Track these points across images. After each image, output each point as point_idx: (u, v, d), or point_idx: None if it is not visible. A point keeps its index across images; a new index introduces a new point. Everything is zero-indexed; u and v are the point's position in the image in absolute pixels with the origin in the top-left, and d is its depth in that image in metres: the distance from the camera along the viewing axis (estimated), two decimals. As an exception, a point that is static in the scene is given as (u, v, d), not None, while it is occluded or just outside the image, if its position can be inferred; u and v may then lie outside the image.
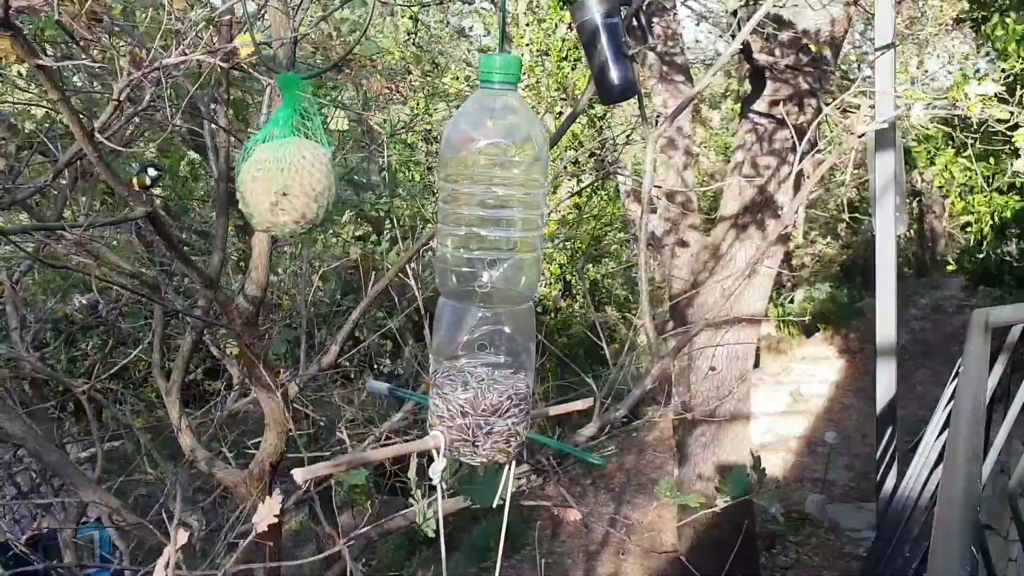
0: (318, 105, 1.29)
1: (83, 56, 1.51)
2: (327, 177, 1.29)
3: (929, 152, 6.23)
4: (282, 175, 1.25)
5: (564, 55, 7.80)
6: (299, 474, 1.04)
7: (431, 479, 1.10)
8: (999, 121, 2.78)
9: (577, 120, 7.24)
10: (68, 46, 2.17)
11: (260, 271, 2.03)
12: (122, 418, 3.05)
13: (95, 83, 2.68)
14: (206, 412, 3.28)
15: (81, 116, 1.36)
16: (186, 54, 1.22)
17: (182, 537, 0.88)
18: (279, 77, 1.29)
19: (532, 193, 1.08)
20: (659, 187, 4.70)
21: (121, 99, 1.26)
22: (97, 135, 1.32)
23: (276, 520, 1.06)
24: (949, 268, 7.85)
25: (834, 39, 4.45)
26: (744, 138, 4.75)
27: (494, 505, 1.19)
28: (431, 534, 1.15)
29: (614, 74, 1.49)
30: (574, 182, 7.73)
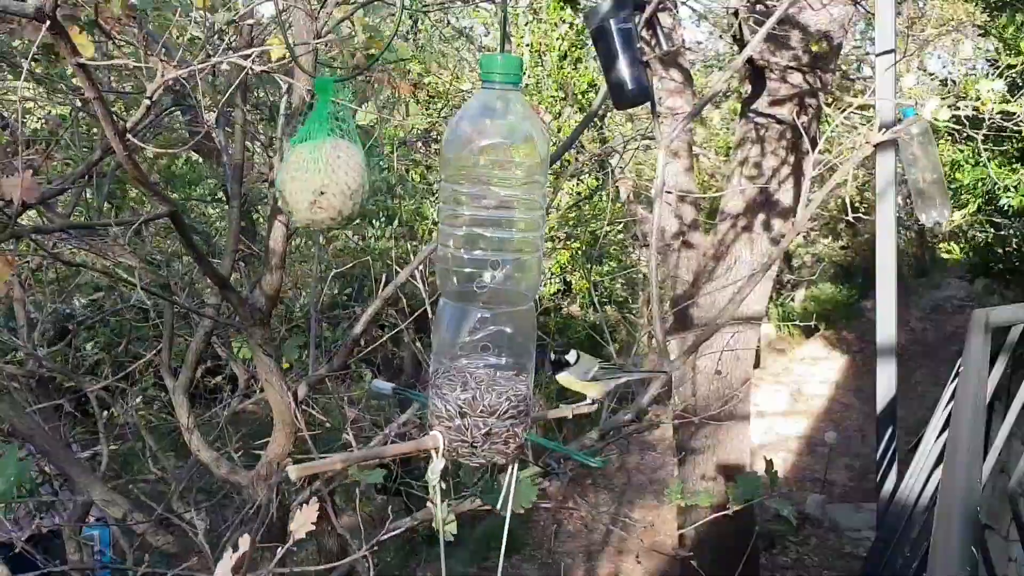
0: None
1: (114, 55, 1.51)
2: (361, 175, 1.35)
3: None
4: (319, 175, 1.32)
5: (564, 54, 7.81)
6: (294, 471, 1.04)
7: (433, 478, 1.11)
8: (1007, 116, 2.78)
9: (576, 121, 7.24)
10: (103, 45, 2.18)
11: (274, 271, 2.04)
12: (129, 417, 3.05)
13: (113, 82, 2.69)
14: (213, 415, 3.28)
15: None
16: (210, 55, 1.23)
17: (244, 543, 0.89)
18: (315, 80, 1.35)
19: (533, 194, 1.08)
20: (670, 192, 4.71)
21: (154, 99, 1.27)
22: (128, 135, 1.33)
23: (280, 519, 1.06)
24: (949, 255, 7.84)
25: (836, 39, 4.45)
26: (745, 138, 4.76)
27: (498, 506, 1.19)
28: (450, 537, 1.15)
29: (627, 79, 1.50)
30: (574, 182, 7.73)
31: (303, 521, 0.95)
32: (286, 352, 2.59)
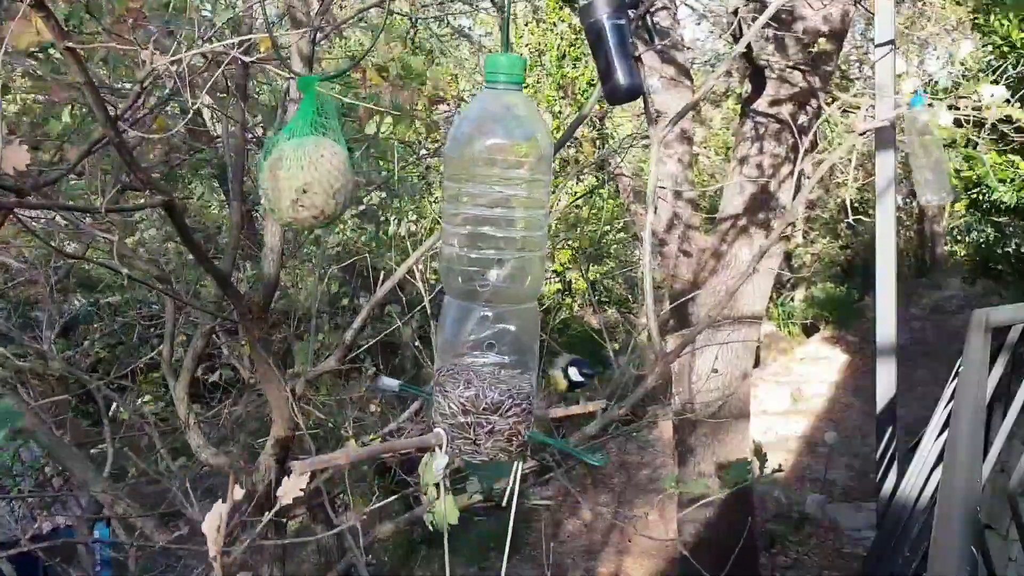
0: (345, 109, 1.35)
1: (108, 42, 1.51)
2: (344, 175, 1.34)
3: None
4: (303, 172, 1.30)
5: (563, 54, 7.83)
6: (297, 467, 1.04)
7: (436, 475, 1.11)
8: (1007, 119, 2.78)
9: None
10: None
11: (272, 266, 2.04)
12: (133, 416, 3.06)
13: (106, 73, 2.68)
14: (215, 413, 3.29)
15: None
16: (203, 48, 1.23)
17: (237, 493, 0.88)
18: (300, 78, 1.34)
19: (536, 192, 1.09)
20: (664, 187, 4.71)
21: (144, 86, 1.27)
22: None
23: (282, 518, 1.06)
24: (954, 255, 7.85)
25: (835, 38, 4.45)
26: (744, 137, 4.76)
27: (503, 503, 1.19)
28: (447, 526, 1.15)
29: (620, 75, 1.50)
30: (573, 181, 7.74)
31: (291, 487, 0.94)
32: (299, 355, 2.59)
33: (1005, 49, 5.37)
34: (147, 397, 3.58)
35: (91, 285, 4.60)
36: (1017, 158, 5.83)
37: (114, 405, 3.23)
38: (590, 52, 1.49)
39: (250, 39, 1.46)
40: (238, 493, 0.90)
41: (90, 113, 2.36)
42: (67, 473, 2.86)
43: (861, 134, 2.95)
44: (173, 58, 1.20)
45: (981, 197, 6.22)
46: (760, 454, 2.16)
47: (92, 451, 3.29)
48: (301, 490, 0.92)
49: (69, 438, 2.96)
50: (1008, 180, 5.87)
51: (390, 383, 1.38)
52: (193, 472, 2.87)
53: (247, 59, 1.35)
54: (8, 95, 2.71)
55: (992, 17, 5.52)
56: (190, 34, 2.05)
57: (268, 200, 1.35)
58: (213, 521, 0.89)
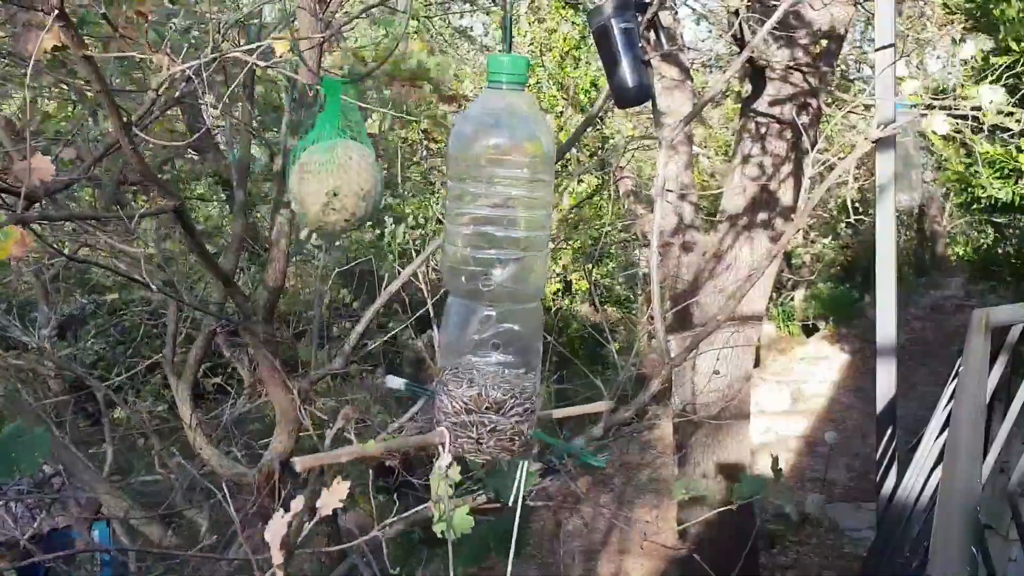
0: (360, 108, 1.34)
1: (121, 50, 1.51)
2: (373, 176, 1.34)
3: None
4: (332, 176, 1.31)
5: (565, 54, 7.83)
6: (298, 463, 1.04)
7: (439, 474, 1.11)
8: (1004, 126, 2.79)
9: (577, 121, 7.24)
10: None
11: (277, 269, 2.05)
12: (135, 416, 3.06)
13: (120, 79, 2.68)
14: (218, 414, 3.29)
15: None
16: (217, 51, 1.24)
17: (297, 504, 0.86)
18: (324, 81, 1.34)
19: (538, 192, 1.09)
20: (670, 190, 4.72)
21: (160, 92, 1.28)
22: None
23: (285, 519, 1.07)
24: (952, 252, 7.82)
25: (836, 38, 4.46)
26: (745, 137, 4.76)
27: (510, 501, 1.20)
28: (453, 535, 1.16)
29: (629, 79, 1.51)
30: (575, 182, 7.74)
31: (331, 498, 0.95)
32: (301, 353, 2.60)
33: (1006, 55, 5.34)
34: (142, 398, 3.58)
35: (91, 285, 4.61)
36: (1015, 149, 5.78)
37: (113, 409, 3.23)
38: (595, 53, 1.50)
39: (264, 44, 1.46)
40: (297, 504, 0.91)
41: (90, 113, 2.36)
42: (67, 473, 2.86)
43: (874, 142, 2.96)
44: (189, 64, 1.21)
45: (979, 194, 6.18)
46: (776, 469, 2.16)
47: (91, 451, 3.30)
48: (341, 501, 0.93)
49: (69, 438, 2.96)
50: (1004, 174, 5.81)
51: (397, 381, 1.38)
52: (195, 471, 2.87)
53: (263, 64, 1.36)
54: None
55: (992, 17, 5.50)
56: (200, 33, 2.06)
57: (299, 205, 1.35)
58: (277, 530, 0.89)
